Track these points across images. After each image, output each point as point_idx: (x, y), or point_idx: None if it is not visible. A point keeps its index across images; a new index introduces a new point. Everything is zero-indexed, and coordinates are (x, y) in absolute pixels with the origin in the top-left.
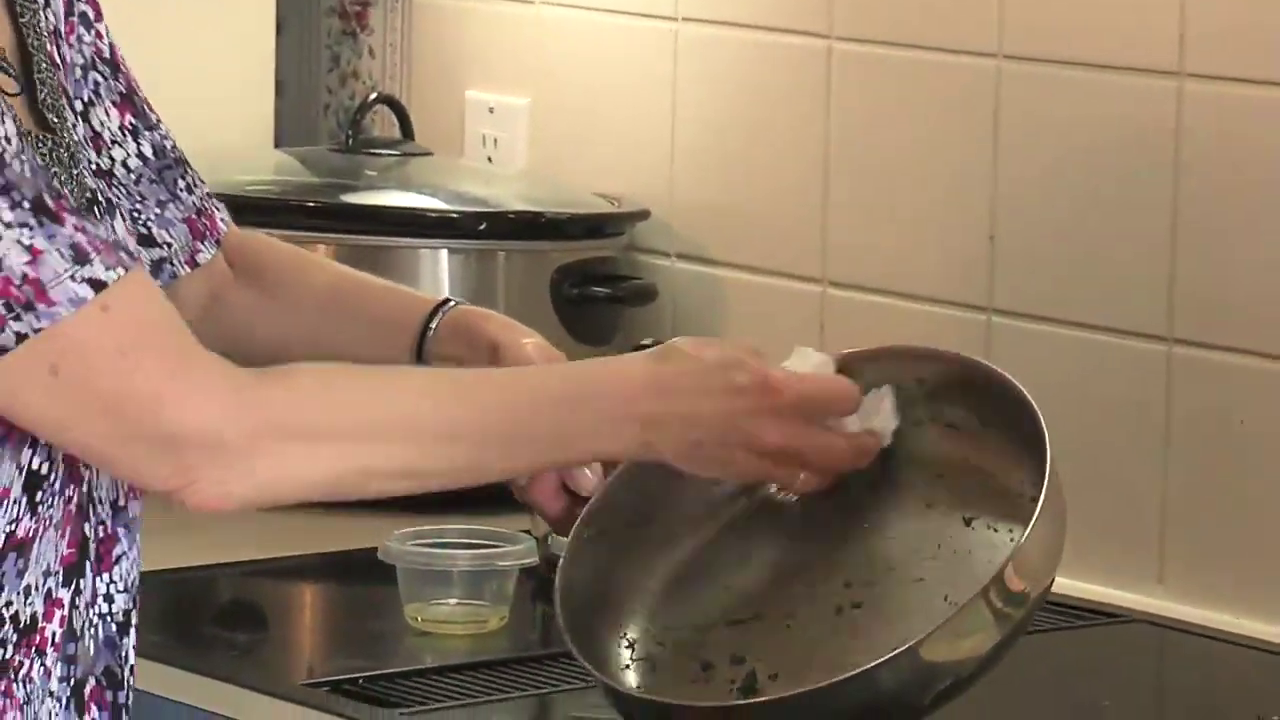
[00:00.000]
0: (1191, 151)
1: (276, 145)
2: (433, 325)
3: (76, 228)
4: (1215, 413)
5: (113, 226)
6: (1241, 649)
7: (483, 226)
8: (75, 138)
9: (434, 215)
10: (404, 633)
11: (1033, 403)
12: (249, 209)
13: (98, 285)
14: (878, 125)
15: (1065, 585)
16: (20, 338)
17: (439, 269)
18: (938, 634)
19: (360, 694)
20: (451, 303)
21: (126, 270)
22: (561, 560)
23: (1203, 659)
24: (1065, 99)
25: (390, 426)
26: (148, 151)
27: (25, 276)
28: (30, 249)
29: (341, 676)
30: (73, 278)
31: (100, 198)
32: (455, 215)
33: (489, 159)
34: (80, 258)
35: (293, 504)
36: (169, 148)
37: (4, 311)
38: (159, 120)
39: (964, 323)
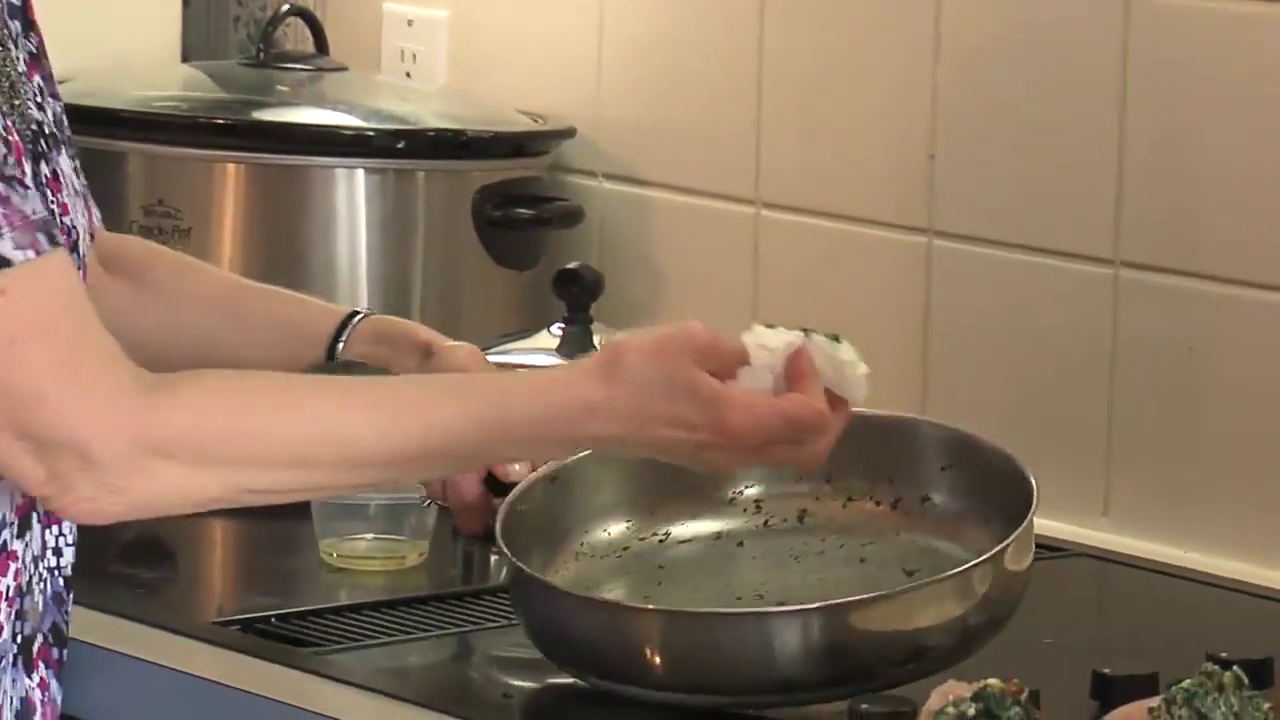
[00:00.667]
0: (1139, 70)
1: (184, 59)
2: (345, 334)
3: (10, 185)
4: (1163, 339)
5: (59, 165)
6: (1188, 583)
7: (401, 145)
8: (19, 70)
9: (349, 133)
10: (318, 570)
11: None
12: (156, 126)
13: (2, 263)
14: (813, 39)
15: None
16: None
17: (355, 190)
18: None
19: (272, 633)
20: (363, 312)
21: (38, 254)
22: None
23: (1148, 593)
24: (1007, 11)
25: (291, 455)
26: (51, 121)
27: None
28: None
29: (253, 615)
30: (11, 245)
31: (47, 130)
32: (372, 133)
33: (407, 74)
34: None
35: None
36: (65, 123)
37: None
38: (58, 93)
39: (903, 245)
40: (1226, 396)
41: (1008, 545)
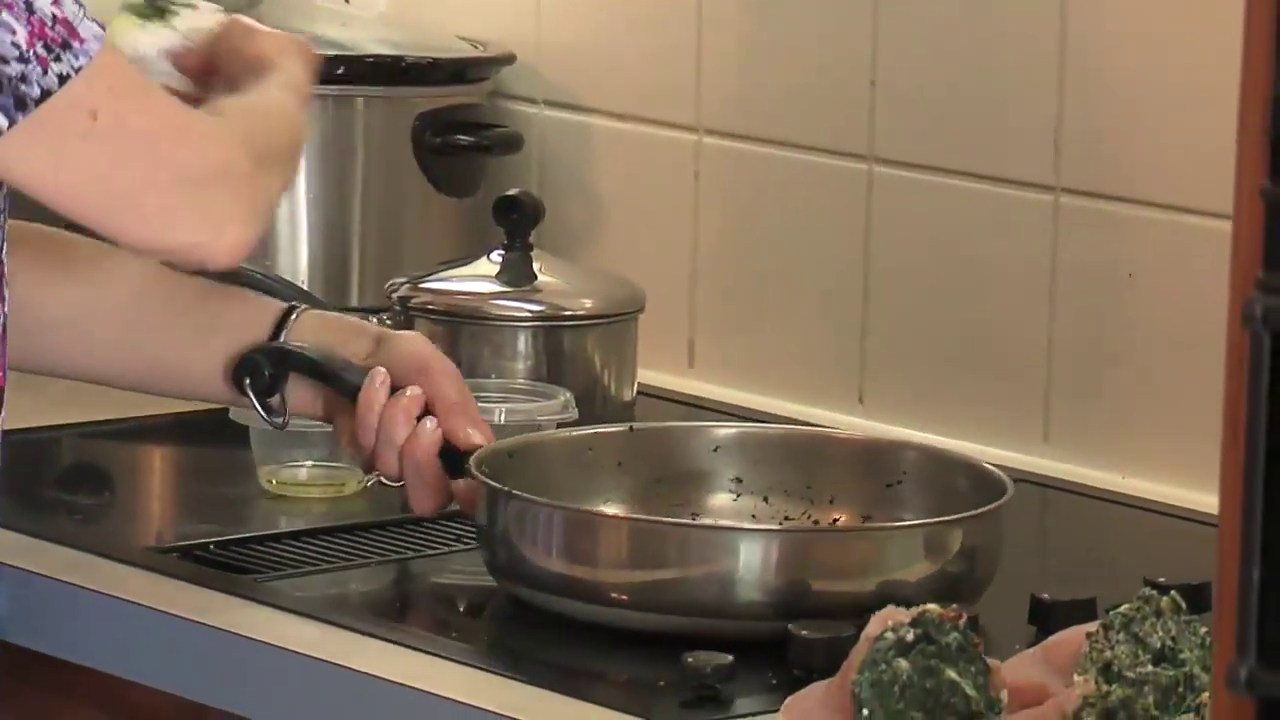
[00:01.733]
0: None
1: None
2: (285, 330)
3: None
4: (1103, 265)
5: None
6: (1126, 509)
7: (340, 71)
8: None
9: None
10: (257, 497)
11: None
12: None
13: (101, 25)
14: None
15: (947, 445)
16: (62, 79)
17: None
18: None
19: (211, 560)
20: (301, 307)
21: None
22: None
23: (1087, 519)
24: None
25: (290, 150)
26: None
27: (55, 17)
28: None
29: (191, 542)
30: (87, 16)
31: None
32: None
33: (346, 0)
34: (80, 3)
35: None
36: None
37: (44, 53)
38: None
39: (844, 172)
40: (1165, 323)
41: (991, 509)
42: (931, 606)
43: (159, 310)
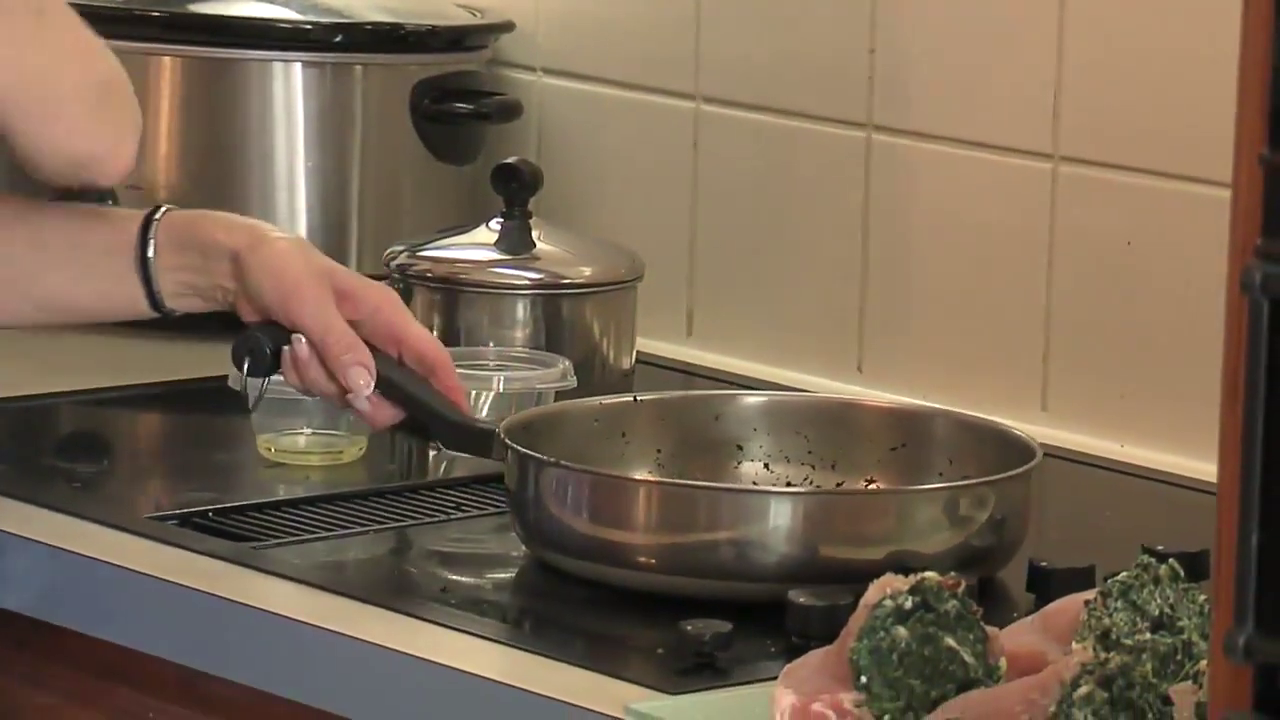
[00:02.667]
0: None
1: None
2: (150, 242)
3: None
4: (1101, 233)
5: None
6: (1125, 477)
7: (339, 39)
8: None
9: (287, 26)
10: (256, 464)
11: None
12: (90, 19)
13: None
14: None
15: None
16: None
17: (292, 84)
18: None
19: (209, 527)
20: (162, 209)
21: None
22: None
23: (1086, 487)
24: None
25: None
26: None
27: None
28: None
29: (190, 509)
30: None
31: None
32: (309, 26)
33: None
34: None
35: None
36: None
37: None
38: None
39: (843, 140)
40: (1164, 291)
41: (1016, 474)
42: (930, 574)
43: (31, 247)
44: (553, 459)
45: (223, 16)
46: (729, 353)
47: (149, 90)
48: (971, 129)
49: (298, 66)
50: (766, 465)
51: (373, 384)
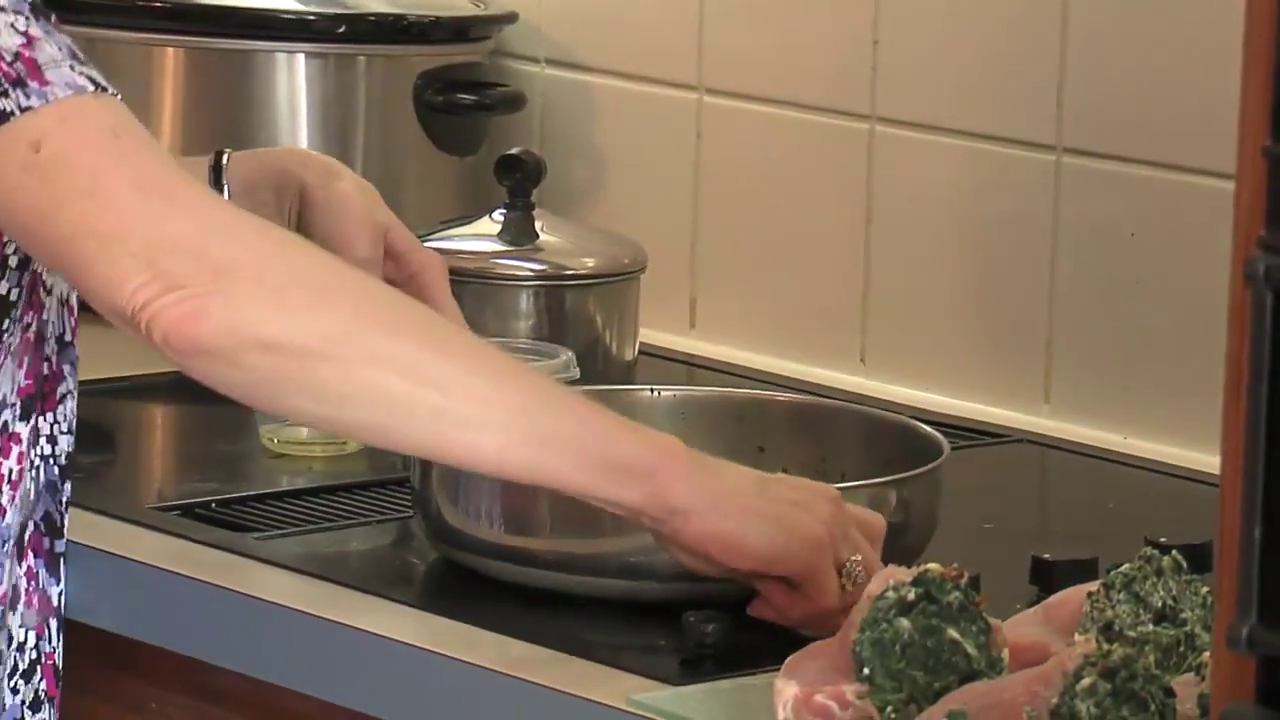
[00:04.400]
0: None
1: None
2: (225, 185)
3: (73, 42)
4: (1104, 225)
5: None
6: (1127, 469)
7: (342, 29)
8: None
9: (289, 16)
10: (258, 455)
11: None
12: (91, 9)
13: (97, 84)
14: None
15: (948, 405)
16: (4, 116)
17: (295, 74)
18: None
19: (212, 518)
20: (226, 153)
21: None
22: None
23: (1088, 479)
24: None
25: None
26: None
27: (18, 55)
28: (26, 35)
29: (192, 500)
30: (71, 68)
31: None
32: (312, 16)
33: None
34: (76, 58)
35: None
36: None
37: None
38: None
39: (846, 131)
40: (1167, 283)
41: (928, 470)
42: (932, 566)
43: None
44: None
45: (227, 7)
46: (732, 344)
47: (152, 81)
48: (974, 120)
49: (301, 57)
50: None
51: None
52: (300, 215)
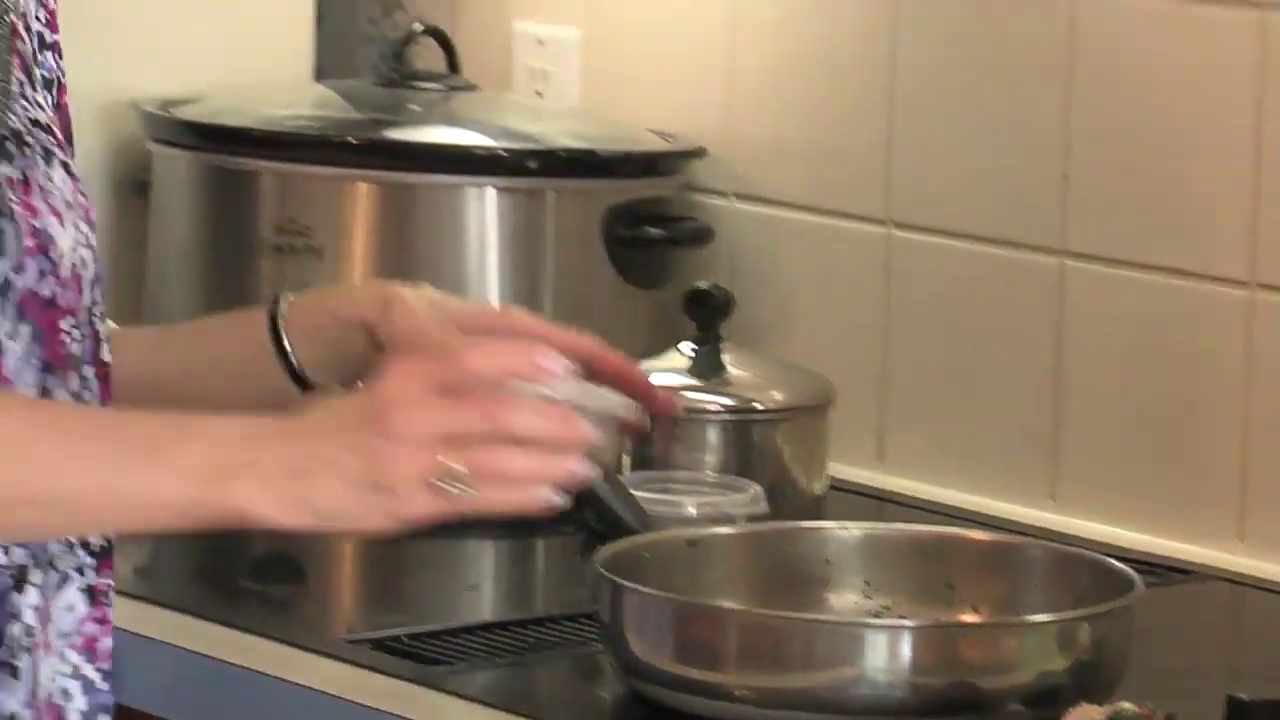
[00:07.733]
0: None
1: (316, 79)
2: (283, 335)
3: None
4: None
5: (49, 173)
6: None
7: (532, 164)
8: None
9: (481, 152)
10: (449, 588)
11: None
12: (288, 145)
13: None
14: (943, 57)
15: (1139, 541)
16: None
17: (485, 208)
18: None
19: (403, 651)
20: (283, 300)
21: None
22: None
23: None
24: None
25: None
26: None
27: None
28: None
29: (383, 633)
30: None
31: (25, 140)
32: (503, 152)
33: (538, 93)
34: None
35: None
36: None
37: None
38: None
39: (1036, 265)
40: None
41: (1118, 605)
42: (1126, 705)
43: (171, 370)
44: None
45: (418, 143)
46: (922, 478)
47: (342, 215)
48: (1166, 255)
49: (491, 191)
50: (868, 596)
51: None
52: (375, 346)
